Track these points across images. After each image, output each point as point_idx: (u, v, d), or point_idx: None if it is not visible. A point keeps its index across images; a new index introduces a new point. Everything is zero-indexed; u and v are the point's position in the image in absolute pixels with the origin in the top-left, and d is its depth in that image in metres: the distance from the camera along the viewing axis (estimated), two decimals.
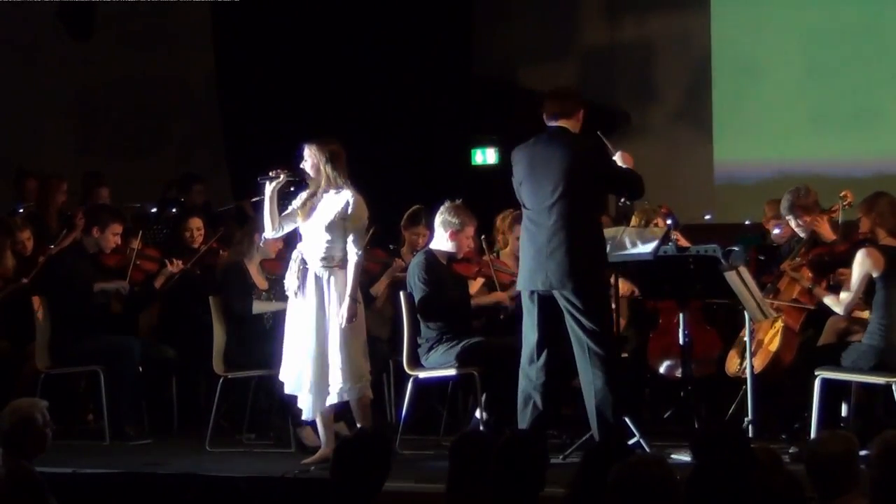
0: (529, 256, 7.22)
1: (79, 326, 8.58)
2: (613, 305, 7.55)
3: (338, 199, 7.40)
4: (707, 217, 10.95)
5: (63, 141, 12.81)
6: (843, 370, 7.39)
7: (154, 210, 10.97)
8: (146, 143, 12.95)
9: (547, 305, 7.17)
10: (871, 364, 7.32)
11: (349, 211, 7.36)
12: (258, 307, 8.31)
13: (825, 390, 7.35)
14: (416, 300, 7.93)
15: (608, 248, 7.36)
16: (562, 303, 7.13)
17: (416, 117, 12.01)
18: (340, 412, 7.59)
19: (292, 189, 7.54)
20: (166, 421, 8.93)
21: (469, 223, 8.10)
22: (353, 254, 7.37)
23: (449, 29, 12.48)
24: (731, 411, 8.15)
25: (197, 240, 9.50)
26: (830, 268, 7.85)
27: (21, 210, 10.38)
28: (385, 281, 8.81)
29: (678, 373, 8.33)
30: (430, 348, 7.90)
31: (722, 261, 7.55)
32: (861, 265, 7.35)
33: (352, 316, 7.33)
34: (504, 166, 11.41)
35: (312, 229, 7.45)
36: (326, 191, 7.42)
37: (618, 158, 7.34)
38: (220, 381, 8.24)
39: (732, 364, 8.10)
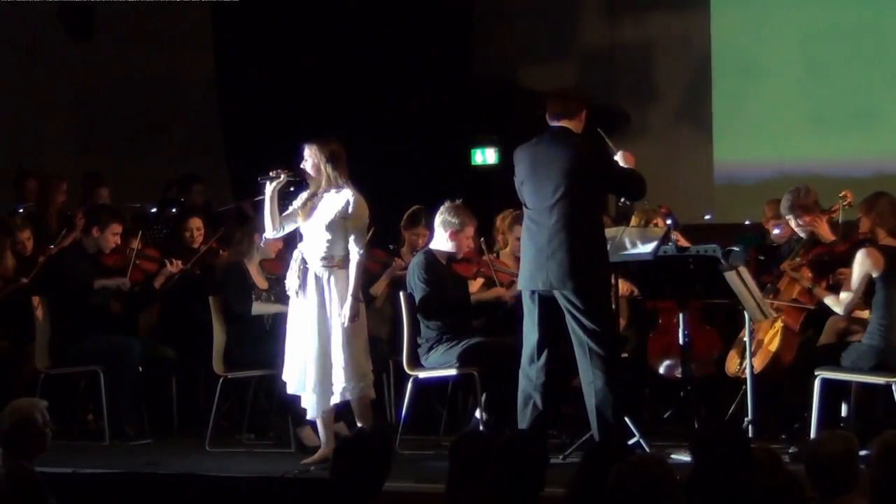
0: (530, 256, 7.22)
1: (79, 326, 8.58)
2: (613, 305, 7.55)
3: (338, 199, 7.40)
4: (707, 217, 10.95)
5: (63, 141, 12.80)
6: (843, 370, 7.38)
7: (154, 210, 10.97)
8: (146, 143, 12.94)
9: (547, 305, 7.18)
10: (870, 364, 7.32)
11: (350, 210, 7.37)
12: (258, 308, 8.31)
13: (825, 390, 7.35)
14: (417, 300, 7.93)
15: (608, 249, 7.36)
16: (562, 303, 7.13)
17: (416, 117, 12.01)
18: (340, 412, 7.59)
19: (292, 189, 7.54)
20: (166, 421, 8.93)
21: (469, 223, 8.10)
22: (355, 253, 7.37)
23: (449, 29, 12.48)
24: (730, 411, 8.15)
25: (197, 240, 9.50)
26: (830, 268, 7.85)
27: (21, 210, 10.38)
28: (385, 281, 8.82)
29: (678, 373, 8.33)
30: (430, 348, 7.90)
31: (722, 261, 7.55)
32: (861, 265, 7.35)
33: (354, 315, 7.33)
34: (504, 166, 11.43)
35: (313, 229, 7.45)
36: (327, 190, 7.43)
37: (619, 158, 7.34)
38: (220, 381, 8.24)
39: (732, 364, 8.10)
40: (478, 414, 7.81)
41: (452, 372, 7.90)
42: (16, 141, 12.22)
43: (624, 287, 8.46)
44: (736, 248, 7.95)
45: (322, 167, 7.41)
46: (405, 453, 7.68)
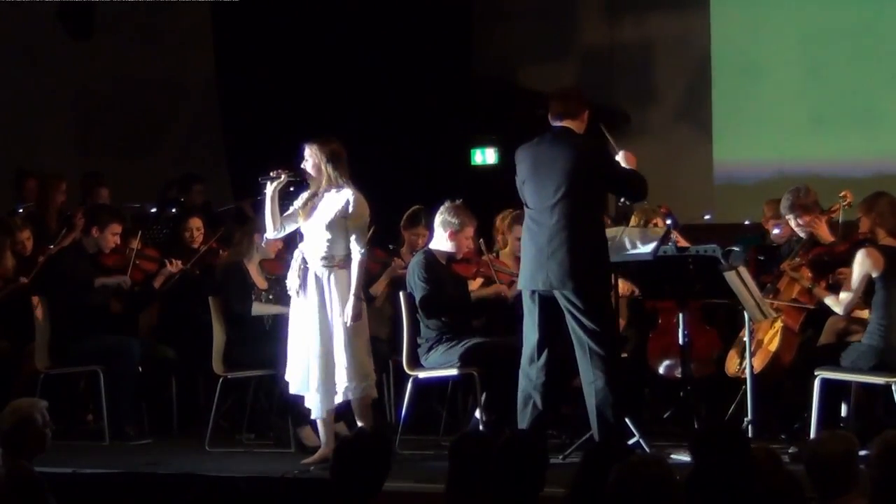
0: (530, 256, 7.22)
1: (78, 326, 8.58)
2: (613, 305, 7.55)
3: (338, 198, 7.40)
4: (706, 217, 10.94)
5: (63, 141, 12.80)
6: (843, 370, 7.39)
7: (154, 210, 10.98)
8: (146, 143, 12.93)
9: (548, 305, 7.18)
10: (870, 364, 7.32)
11: (350, 210, 7.37)
12: (257, 309, 8.31)
13: (825, 390, 7.35)
14: (416, 299, 7.93)
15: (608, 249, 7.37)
16: (562, 303, 7.13)
17: (416, 117, 12.01)
18: (340, 412, 7.59)
19: (292, 189, 7.54)
20: (166, 421, 8.93)
21: (468, 223, 8.10)
22: (356, 252, 7.38)
23: (449, 29, 12.48)
24: (730, 411, 8.15)
25: (197, 240, 9.50)
26: (830, 268, 7.85)
27: (21, 210, 10.38)
28: (384, 281, 8.82)
29: (678, 373, 8.33)
30: (430, 348, 7.90)
31: (721, 261, 7.55)
32: (861, 265, 7.35)
33: (357, 314, 7.34)
34: (504, 166, 11.45)
35: (313, 229, 7.45)
36: (327, 190, 7.43)
37: (620, 158, 7.34)
38: (220, 381, 8.24)
39: (732, 364, 8.10)
40: (477, 414, 7.81)
41: (452, 372, 7.90)
42: (16, 141, 12.21)
43: (625, 287, 8.47)
44: (736, 248, 7.95)
45: (323, 167, 7.41)
46: (405, 453, 7.69)
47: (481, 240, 8.40)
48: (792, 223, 8.18)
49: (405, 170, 11.51)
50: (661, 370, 8.70)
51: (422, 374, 7.93)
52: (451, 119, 12.18)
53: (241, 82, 12.57)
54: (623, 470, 4.26)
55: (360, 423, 7.34)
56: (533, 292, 7.22)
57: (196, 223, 9.61)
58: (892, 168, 10.98)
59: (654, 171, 8.09)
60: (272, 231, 7.53)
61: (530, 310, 7.25)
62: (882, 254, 7.35)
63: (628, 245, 7.56)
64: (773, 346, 7.93)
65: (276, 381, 8.13)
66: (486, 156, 12.21)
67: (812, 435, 7.14)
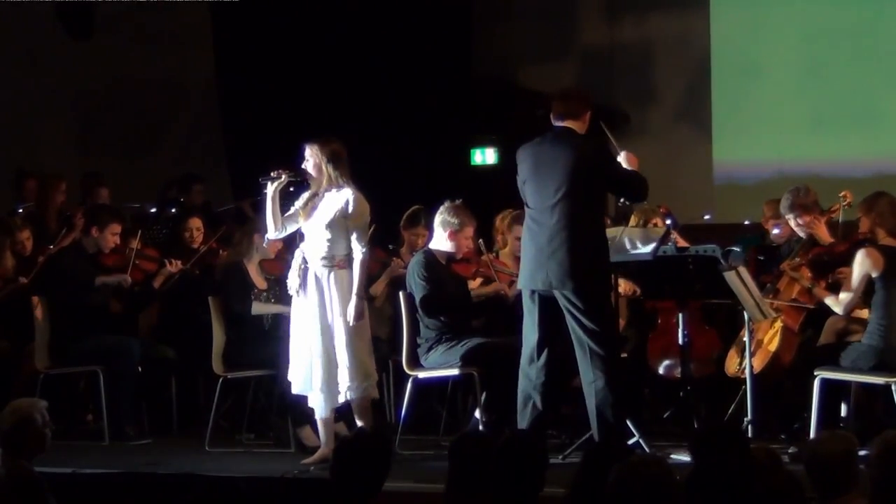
0: (530, 256, 7.22)
1: (78, 326, 8.58)
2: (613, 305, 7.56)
3: (338, 198, 7.40)
4: (706, 217, 10.94)
5: (63, 141, 12.80)
6: (843, 370, 7.39)
7: (153, 210, 10.97)
8: (146, 143, 12.94)
9: (548, 305, 7.18)
10: (870, 364, 7.32)
11: (350, 209, 7.37)
12: (257, 308, 8.31)
13: (824, 390, 7.35)
14: (417, 299, 7.93)
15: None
16: (562, 302, 7.13)
17: (416, 117, 12.01)
18: (340, 412, 7.59)
19: (291, 189, 7.54)
20: (166, 421, 8.93)
21: (468, 223, 8.10)
22: (358, 252, 7.38)
23: (449, 29, 12.49)
24: (730, 411, 8.14)
25: (196, 240, 9.50)
26: (830, 267, 7.84)
27: (20, 210, 10.38)
28: (384, 281, 8.82)
29: (677, 373, 8.33)
30: (430, 348, 7.90)
31: (721, 261, 7.55)
32: (861, 265, 7.35)
33: (360, 314, 7.34)
34: (503, 166, 11.46)
35: (314, 228, 7.45)
36: (328, 190, 7.43)
37: (622, 159, 7.35)
38: (220, 381, 8.24)
39: (732, 364, 8.10)
40: (477, 414, 7.81)
41: (452, 372, 7.90)
42: (16, 141, 12.21)
43: (626, 287, 8.47)
44: (735, 249, 7.95)
45: (323, 167, 7.41)
46: (405, 453, 7.69)
47: (480, 240, 8.39)
48: (792, 223, 8.17)
49: (405, 170, 11.52)
50: (660, 370, 8.70)
51: (421, 374, 7.93)
52: (451, 119, 12.19)
53: (241, 82, 12.57)
54: (623, 470, 4.26)
55: (359, 423, 7.34)
56: (533, 292, 7.22)
57: (196, 223, 9.61)
58: (892, 168, 10.98)
59: (654, 171, 8.09)
60: (273, 231, 7.53)
61: (530, 310, 7.25)
62: (882, 254, 7.35)
63: (628, 245, 7.57)
64: (773, 346, 7.93)
65: (275, 381, 8.14)
66: (485, 156, 12.22)
67: (812, 435, 7.14)
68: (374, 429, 7.13)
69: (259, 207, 8.74)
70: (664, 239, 7.68)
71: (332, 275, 7.39)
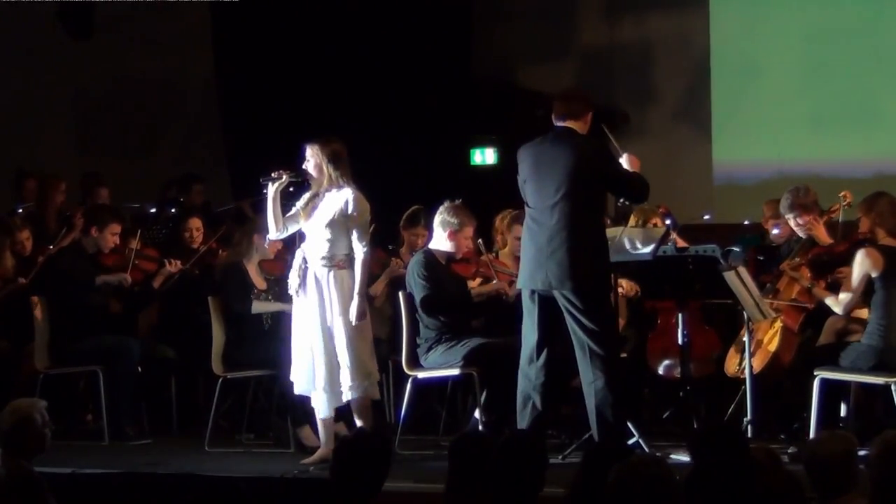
0: (530, 255, 7.23)
1: (78, 326, 8.59)
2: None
3: (338, 198, 7.41)
4: (706, 217, 10.94)
5: (62, 141, 12.80)
6: (842, 370, 7.39)
7: (153, 210, 10.97)
8: (146, 143, 12.94)
9: (547, 305, 7.18)
10: (870, 364, 7.32)
11: (350, 208, 7.37)
12: (257, 307, 8.31)
13: (824, 390, 7.35)
14: (417, 299, 7.92)
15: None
16: (562, 302, 7.13)
17: (416, 117, 12.01)
18: (340, 412, 7.59)
19: (291, 189, 7.54)
20: (165, 421, 8.93)
21: (468, 223, 8.10)
22: (359, 251, 7.38)
23: (449, 29, 12.48)
24: (730, 411, 8.14)
25: (196, 240, 9.50)
26: (830, 267, 7.84)
27: (20, 210, 10.38)
28: (384, 281, 8.81)
29: (677, 373, 8.33)
30: (430, 348, 7.90)
31: (721, 261, 7.55)
32: (860, 265, 7.35)
33: (362, 313, 7.34)
34: (503, 166, 11.46)
35: (314, 228, 7.46)
36: (328, 190, 7.43)
37: (624, 161, 7.36)
38: (220, 381, 8.24)
39: (731, 364, 8.10)
40: (477, 414, 7.81)
41: (452, 372, 7.90)
42: (15, 141, 12.22)
43: (629, 287, 8.48)
44: (735, 249, 7.96)
45: (324, 167, 7.41)
46: (404, 453, 7.69)
47: (480, 240, 8.39)
48: (791, 223, 8.17)
49: (405, 170, 11.51)
50: (660, 370, 8.70)
51: (421, 375, 7.93)
52: (450, 119, 12.18)
53: (241, 82, 12.57)
54: (623, 470, 4.26)
55: (359, 423, 7.34)
56: (532, 292, 7.22)
57: (196, 223, 9.61)
58: (892, 168, 10.98)
59: (654, 171, 8.09)
60: (275, 232, 7.54)
61: (530, 310, 7.25)
62: (882, 254, 7.35)
63: (628, 245, 7.57)
64: (773, 346, 7.93)
65: (275, 381, 8.14)
66: (485, 156, 12.22)
67: (811, 435, 7.14)
68: (373, 429, 7.14)
69: (259, 207, 8.75)
70: (664, 239, 7.68)
71: (331, 275, 7.39)
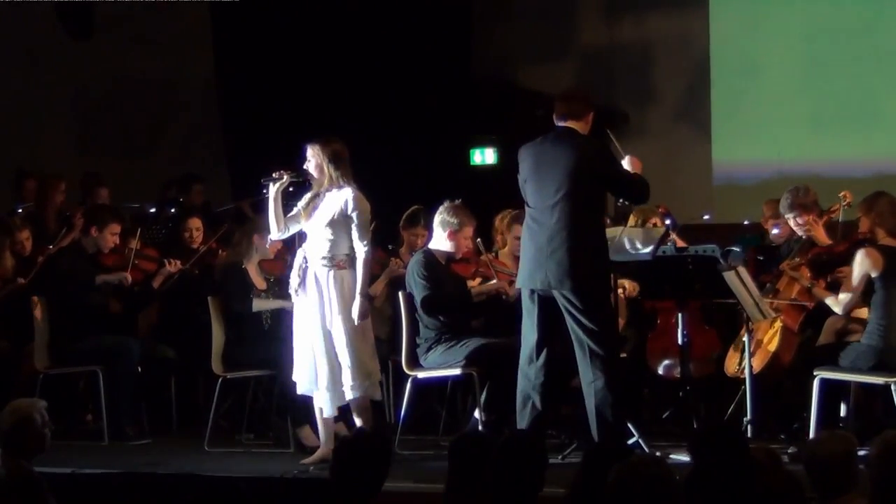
0: (530, 255, 7.23)
1: (78, 326, 8.58)
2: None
3: (339, 198, 7.41)
4: (706, 217, 10.94)
5: (62, 141, 12.80)
6: (842, 370, 7.39)
7: (153, 210, 10.97)
8: (146, 143, 12.94)
9: (547, 305, 7.18)
10: (869, 364, 7.32)
11: (350, 208, 7.37)
12: (258, 305, 8.31)
13: (824, 390, 7.35)
14: (417, 298, 7.92)
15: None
16: (561, 302, 7.13)
17: (415, 117, 12.01)
18: (340, 412, 7.58)
19: (290, 189, 7.54)
20: (165, 421, 8.93)
21: (468, 223, 8.10)
22: (360, 251, 7.38)
23: (449, 29, 12.49)
24: (729, 411, 8.15)
25: (196, 240, 9.50)
26: (829, 267, 7.84)
27: (20, 210, 10.38)
28: (383, 281, 8.81)
29: (677, 373, 8.33)
30: (429, 348, 7.90)
31: (721, 261, 7.55)
32: (860, 265, 7.36)
33: (364, 313, 7.34)
34: (503, 166, 11.46)
35: (315, 228, 7.46)
36: (329, 190, 7.44)
37: (626, 163, 7.36)
38: (219, 381, 8.24)
39: (731, 364, 8.09)
40: (477, 414, 7.81)
41: (451, 372, 7.90)
42: (16, 141, 12.22)
43: (632, 287, 8.48)
44: (735, 249, 7.96)
45: (324, 167, 7.42)
46: (404, 453, 7.68)
47: (478, 239, 8.39)
48: (791, 223, 8.17)
49: (405, 170, 11.51)
50: (660, 370, 8.70)
51: (421, 374, 7.93)
52: (450, 119, 12.19)
53: (241, 82, 12.57)
54: (623, 470, 4.26)
55: (359, 423, 7.34)
56: (532, 292, 7.22)
57: (195, 223, 9.61)
58: (892, 168, 10.98)
59: (653, 172, 8.09)
60: (276, 232, 7.55)
61: (529, 310, 7.25)
62: (881, 254, 7.35)
63: (628, 245, 7.57)
64: (773, 346, 7.93)
65: (275, 381, 8.14)
66: (485, 156, 12.22)
67: (811, 435, 7.14)
68: (373, 429, 7.14)
69: (258, 207, 8.75)
70: (663, 239, 7.68)
71: (331, 274, 7.39)
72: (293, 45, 12.26)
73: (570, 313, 7.11)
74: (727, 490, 4.29)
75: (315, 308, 7.39)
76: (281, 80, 12.24)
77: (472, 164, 12.25)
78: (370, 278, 8.50)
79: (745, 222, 10.65)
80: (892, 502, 4.67)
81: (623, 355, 8.00)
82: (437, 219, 8.13)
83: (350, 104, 11.86)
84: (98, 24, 12.53)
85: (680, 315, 7.87)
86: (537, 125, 7.51)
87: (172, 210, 10.78)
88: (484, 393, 7.79)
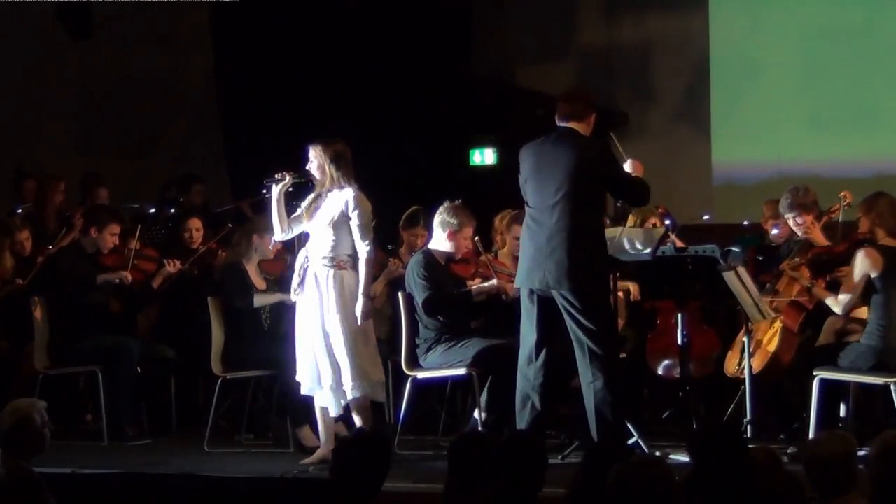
0: (529, 255, 7.23)
1: (77, 327, 8.58)
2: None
3: (340, 198, 7.41)
4: (705, 217, 10.94)
5: (62, 141, 12.80)
6: (842, 370, 7.39)
7: (153, 210, 10.97)
8: (146, 143, 12.95)
9: (546, 306, 7.18)
10: (869, 364, 7.32)
11: (351, 208, 7.38)
12: (259, 300, 8.31)
13: (824, 390, 7.35)
14: (418, 299, 7.92)
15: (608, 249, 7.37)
16: (560, 302, 7.13)
17: (415, 118, 12.01)
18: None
19: (290, 189, 7.55)
20: (165, 421, 8.92)
21: (467, 224, 8.10)
22: (362, 251, 7.38)
23: (448, 29, 12.49)
24: (729, 411, 8.14)
25: (196, 240, 9.49)
26: (829, 267, 7.84)
27: (19, 210, 10.38)
28: (383, 281, 8.81)
29: (677, 373, 8.33)
30: (429, 349, 7.90)
31: (720, 261, 7.55)
32: (860, 265, 7.36)
33: (367, 313, 7.34)
34: (502, 167, 11.46)
35: (317, 229, 7.47)
36: (330, 190, 7.44)
37: (628, 166, 7.36)
38: (219, 381, 8.24)
39: (731, 364, 8.09)
40: (476, 414, 7.81)
41: (451, 372, 7.90)
42: (15, 141, 12.22)
43: (634, 289, 8.49)
44: (734, 249, 7.96)
45: (326, 167, 7.43)
46: (404, 454, 7.68)
47: (477, 238, 8.38)
48: (791, 223, 8.17)
49: (404, 170, 11.51)
50: (660, 370, 8.70)
51: (420, 375, 7.93)
52: (450, 119, 12.19)
53: (241, 82, 12.57)
54: (623, 470, 4.26)
55: (359, 423, 7.34)
56: (531, 292, 7.22)
57: (195, 223, 9.60)
58: (892, 168, 10.98)
59: (653, 172, 8.09)
60: (280, 233, 7.57)
61: (528, 310, 7.25)
62: (881, 254, 7.35)
63: (627, 246, 7.57)
64: (772, 347, 7.93)
65: (275, 381, 8.14)
66: (484, 156, 12.23)
67: (811, 435, 7.14)
68: (373, 429, 7.14)
69: (258, 208, 8.74)
70: (663, 240, 7.68)
71: (331, 274, 7.39)
72: (293, 45, 12.26)
73: (569, 313, 7.11)
74: (727, 490, 4.30)
75: (315, 308, 7.40)
76: (281, 80, 12.24)
77: (471, 164, 12.25)
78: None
79: (745, 222, 10.65)
80: (891, 502, 4.67)
81: (623, 355, 8.00)
82: (437, 219, 8.13)
83: (350, 104, 11.86)
84: (98, 24, 12.53)
85: (680, 315, 7.87)
86: (537, 125, 7.51)
87: (172, 210, 10.77)
88: (484, 393, 7.79)
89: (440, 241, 8.11)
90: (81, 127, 13.03)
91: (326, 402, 7.44)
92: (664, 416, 8.66)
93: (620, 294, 8.20)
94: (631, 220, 8.62)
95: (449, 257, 8.14)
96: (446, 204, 8.15)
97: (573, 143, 7.21)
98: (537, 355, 7.20)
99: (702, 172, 11.98)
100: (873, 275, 7.34)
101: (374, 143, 11.11)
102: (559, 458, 7.16)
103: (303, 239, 7.61)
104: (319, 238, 7.44)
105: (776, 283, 8.06)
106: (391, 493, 5.14)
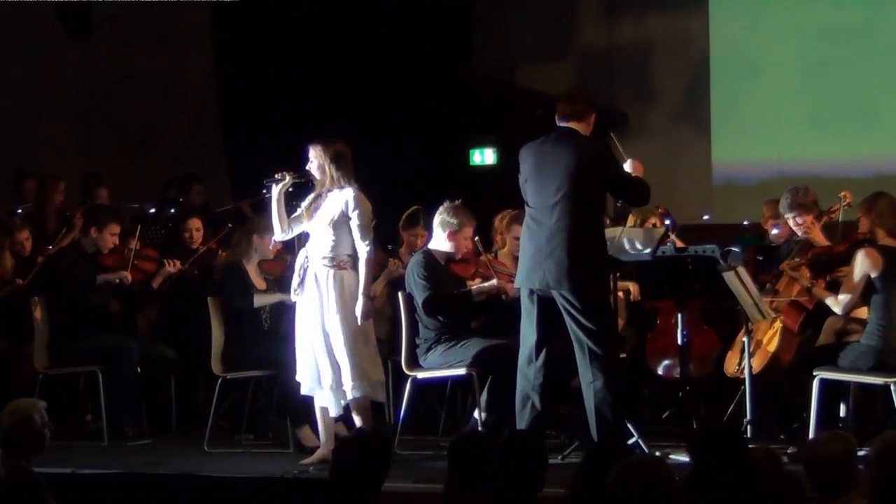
0: (529, 255, 7.23)
1: (77, 327, 8.58)
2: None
3: (340, 198, 7.41)
4: (705, 217, 10.94)
5: (62, 141, 12.80)
6: (842, 370, 7.39)
7: (153, 210, 10.97)
8: (146, 143, 12.95)
9: (546, 306, 7.18)
10: (869, 364, 7.32)
11: (351, 208, 7.38)
12: (259, 300, 8.31)
13: (824, 390, 7.35)
14: (419, 299, 7.91)
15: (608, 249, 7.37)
16: (560, 302, 7.13)
17: (415, 118, 12.01)
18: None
19: (290, 189, 7.55)
20: (165, 421, 8.92)
21: (467, 224, 8.10)
22: (363, 251, 7.38)
23: (448, 29, 12.49)
24: (729, 412, 8.14)
25: (196, 240, 9.49)
26: (829, 267, 7.84)
27: (19, 210, 10.38)
28: (382, 281, 8.81)
29: (676, 373, 8.33)
30: (429, 349, 7.90)
31: (720, 261, 7.55)
32: (860, 265, 7.36)
33: (367, 313, 7.34)
34: (502, 167, 11.46)
35: (317, 229, 7.47)
36: (330, 190, 7.44)
37: (628, 166, 7.36)
38: (219, 381, 8.24)
39: (731, 364, 8.09)
40: (476, 414, 7.81)
41: (451, 372, 7.90)
42: (15, 141, 12.22)
43: (634, 289, 8.48)
44: (734, 249, 7.96)
45: (326, 167, 7.43)
46: (404, 454, 7.68)
47: (477, 238, 8.38)
48: (791, 223, 8.18)
49: (404, 170, 11.51)
50: (659, 370, 8.70)
51: (420, 375, 7.93)
52: (449, 119, 12.19)
53: (241, 82, 12.57)
54: (623, 470, 4.26)
55: (359, 423, 7.34)
56: (531, 292, 7.22)
57: (195, 223, 9.60)
58: (892, 168, 10.98)
59: (653, 172, 8.09)
60: (280, 233, 7.57)
61: (528, 310, 7.25)
62: (881, 254, 7.35)
63: (627, 246, 7.57)
64: (772, 347, 7.93)
65: (275, 381, 8.14)
66: (484, 156, 12.23)
67: (811, 435, 7.14)
68: (373, 429, 7.14)
69: (258, 208, 8.74)
70: (662, 240, 7.68)
71: (331, 274, 7.39)
72: (293, 44, 12.26)
73: (569, 313, 7.11)
74: (727, 490, 4.30)
75: (314, 307, 7.40)
76: (281, 80, 12.24)
77: (471, 164, 12.25)
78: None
79: (745, 222, 10.65)
80: (891, 502, 4.67)
81: (623, 355, 8.01)
82: (437, 219, 8.13)
83: (350, 104, 11.86)
84: (98, 24, 12.53)
85: (679, 315, 7.87)
86: (537, 125, 7.52)
87: (172, 210, 10.78)
88: (484, 393, 7.79)
89: (440, 241, 8.11)
90: (81, 127, 13.03)
91: (326, 402, 7.44)
92: (664, 416, 8.66)
93: (620, 294, 8.20)
94: (631, 220, 8.62)
95: (449, 257, 8.14)
96: (446, 204, 8.15)
97: (573, 143, 7.21)
98: (537, 355, 7.20)
99: (702, 172, 11.98)
100: (873, 275, 7.34)
101: (374, 143, 11.10)
102: (559, 458, 7.16)
103: (303, 239, 7.61)
104: (319, 238, 7.45)
105: (776, 283, 8.06)
106: (391, 493, 5.14)
